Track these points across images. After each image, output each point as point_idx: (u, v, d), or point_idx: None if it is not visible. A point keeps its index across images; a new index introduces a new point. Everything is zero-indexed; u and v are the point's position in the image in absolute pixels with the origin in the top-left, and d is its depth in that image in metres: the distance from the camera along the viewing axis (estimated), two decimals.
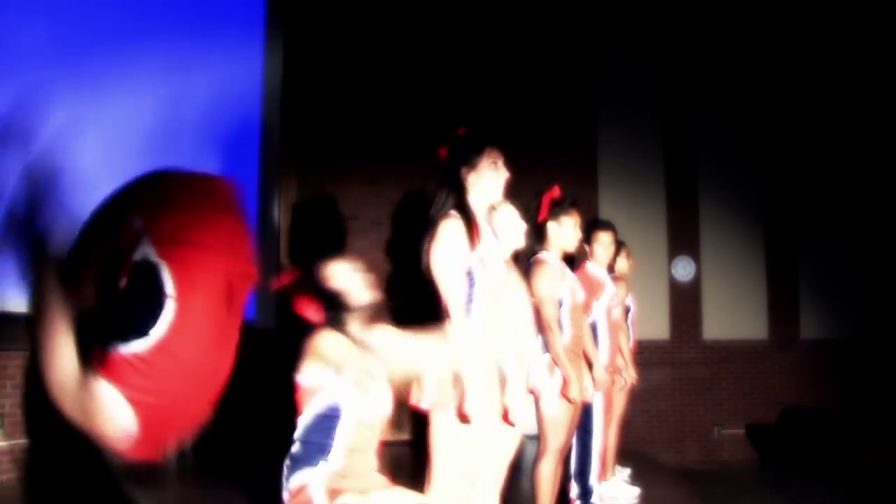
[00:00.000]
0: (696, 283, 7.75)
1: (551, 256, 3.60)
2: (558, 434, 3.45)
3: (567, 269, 3.67)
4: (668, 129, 7.88)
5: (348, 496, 2.18)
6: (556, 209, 3.65)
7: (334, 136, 7.54)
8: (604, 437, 4.08)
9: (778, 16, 7.92)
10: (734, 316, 7.77)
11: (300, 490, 2.22)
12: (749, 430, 7.63)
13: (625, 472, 5.03)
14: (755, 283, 7.82)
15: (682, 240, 7.79)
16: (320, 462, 2.24)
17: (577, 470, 3.88)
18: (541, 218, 3.64)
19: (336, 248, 7.37)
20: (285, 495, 2.26)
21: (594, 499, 3.90)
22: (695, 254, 7.79)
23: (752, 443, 7.61)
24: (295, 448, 2.30)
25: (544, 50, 7.74)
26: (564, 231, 3.65)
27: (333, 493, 2.18)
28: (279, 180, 7.03)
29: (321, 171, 7.48)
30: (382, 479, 2.36)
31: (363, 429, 2.31)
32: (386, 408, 2.38)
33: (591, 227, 4.31)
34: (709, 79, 7.93)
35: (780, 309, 7.82)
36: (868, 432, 6.49)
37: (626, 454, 5.30)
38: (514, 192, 8.08)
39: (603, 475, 4.34)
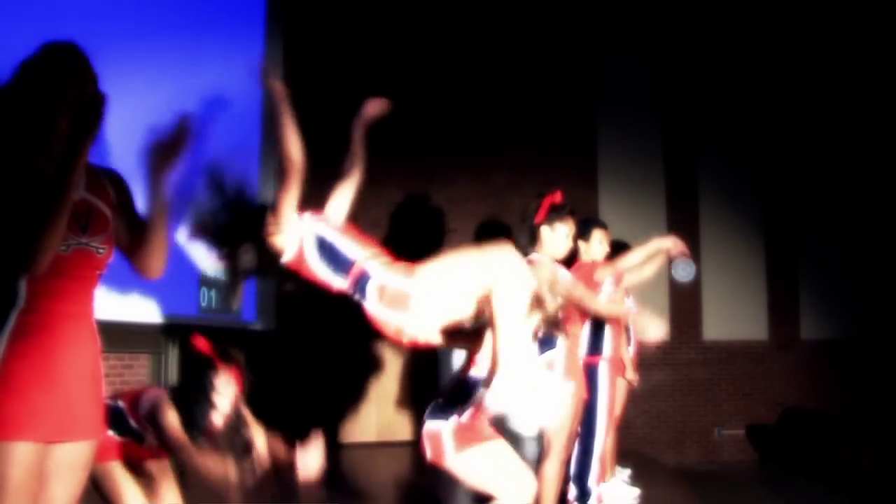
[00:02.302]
0: (696, 284, 7.75)
1: (543, 258, 3.61)
2: (560, 433, 3.46)
3: (563, 270, 3.68)
4: (668, 130, 7.88)
5: (476, 447, 2.77)
6: (553, 214, 3.66)
7: (334, 136, 7.52)
8: (605, 440, 4.07)
9: (778, 17, 7.92)
10: (734, 316, 7.76)
11: (435, 435, 2.79)
12: (749, 430, 7.63)
13: (625, 473, 5.02)
14: (755, 284, 7.82)
15: (682, 240, 7.77)
16: (452, 417, 2.77)
17: (576, 472, 3.88)
18: (538, 219, 3.65)
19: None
20: (424, 432, 2.83)
21: (592, 501, 3.89)
22: (695, 254, 7.78)
23: (752, 443, 7.61)
24: (442, 399, 2.86)
25: (544, 50, 7.74)
26: (556, 237, 3.65)
27: (461, 440, 2.76)
28: (279, 180, 7.02)
29: (321, 171, 7.46)
30: (492, 431, 2.92)
31: None
32: None
33: (587, 225, 4.33)
34: (709, 79, 7.93)
35: (780, 309, 7.82)
36: (868, 433, 6.48)
37: (626, 455, 5.30)
38: (514, 192, 8.12)
39: (602, 476, 4.33)
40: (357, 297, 2.41)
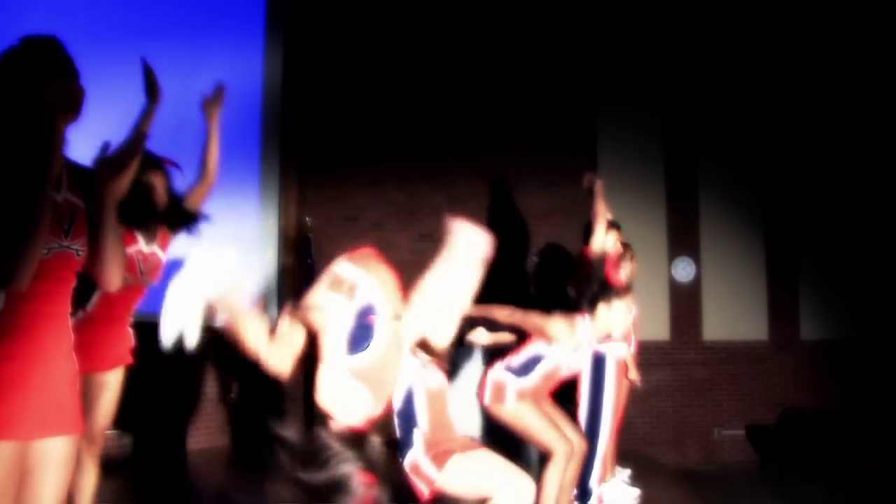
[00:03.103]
0: (696, 284, 7.74)
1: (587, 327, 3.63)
2: (543, 434, 3.42)
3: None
4: (668, 130, 7.88)
5: (454, 457, 2.80)
6: (610, 293, 3.66)
7: (335, 136, 7.53)
8: (610, 441, 4.05)
9: (778, 16, 7.91)
10: (734, 317, 7.76)
11: (414, 465, 2.82)
12: (749, 431, 7.62)
13: (625, 473, 5.02)
14: (755, 284, 7.82)
15: (682, 240, 7.78)
16: (415, 435, 2.82)
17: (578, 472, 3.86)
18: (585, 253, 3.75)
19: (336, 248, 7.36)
20: (408, 472, 2.85)
21: (592, 501, 3.88)
22: (695, 254, 7.78)
23: (752, 444, 7.61)
24: (397, 435, 2.90)
25: (544, 50, 7.74)
26: (614, 315, 3.64)
27: (438, 458, 2.80)
28: (279, 181, 7.03)
29: (321, 171, 7.47)
30: (467, 439, 3.01)
31: (434, 399, 2.90)
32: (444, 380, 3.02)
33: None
34: (709, 79, 7.93)
35: (780, 310, 7.81)
36: (868, 434, 6.48)
37: (626, 455, 5.30)
38: (514, 192, 8.11)
39: (603, 477, 4.33)
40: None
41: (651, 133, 7.86)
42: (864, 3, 7.68)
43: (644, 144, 7.81)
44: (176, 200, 3.11)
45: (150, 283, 3.04)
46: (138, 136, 2.66)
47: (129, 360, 3.05)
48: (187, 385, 5.92)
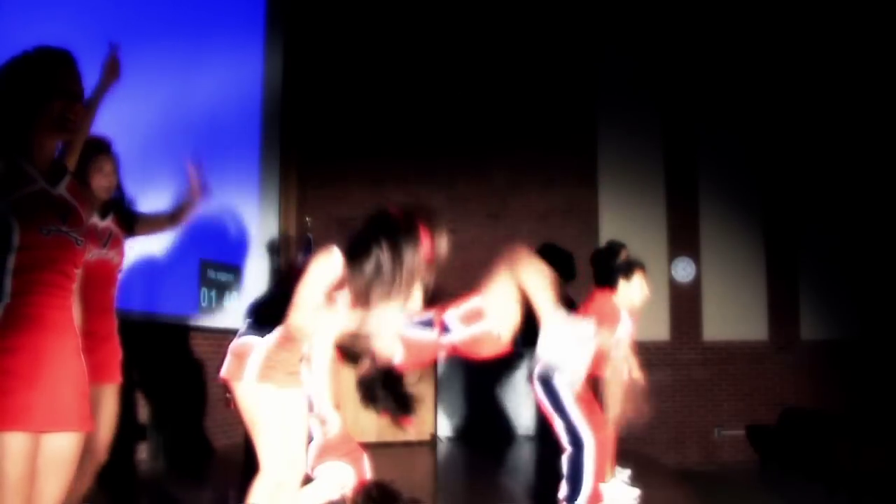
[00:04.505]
0: (696, 284, 7.75)
1: None
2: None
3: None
4: (668, 130, 7.88)
5: None
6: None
7: (335, 136, 7.54)
8: (598, 435, 3.96)
9: (778, 16, 7.92)
10: (734, 317, 7.76)
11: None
12: (749, 431, 7.63)
13: (624, 474, 5.01)
14: (755, 284, 7.82)
15: (682, 241, 7.78)
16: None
17: (569, 472, 3.82)
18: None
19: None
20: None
21: (581, 500, 3.85)
22: (695, 255, 7.78)
23: (752, 444, 7.61)
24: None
25: (545, 50, 7.74)
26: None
27: None
28: (279, 181, 7.03)
29: (321, 171, 7.47)
30: None
31: None
32: None
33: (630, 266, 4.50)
34: (709, 79, 7.93)
35: (780, 310, 7.81)
36: (868, 434, 6.48)
37: (626, 455, 5.29)
38: (515, 192, 8.10)
39: (602, 476, 4.31)
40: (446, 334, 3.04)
41: (651, 133, 7.86)
42: (864, 3, 7.68)
43: (644, 144, 7.81)
44: (122, 193, 3.14)
45: (115, 259, 3.04)
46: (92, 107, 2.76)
47: (118, 377, 3.01)
48: (199, 385, 5.91)
